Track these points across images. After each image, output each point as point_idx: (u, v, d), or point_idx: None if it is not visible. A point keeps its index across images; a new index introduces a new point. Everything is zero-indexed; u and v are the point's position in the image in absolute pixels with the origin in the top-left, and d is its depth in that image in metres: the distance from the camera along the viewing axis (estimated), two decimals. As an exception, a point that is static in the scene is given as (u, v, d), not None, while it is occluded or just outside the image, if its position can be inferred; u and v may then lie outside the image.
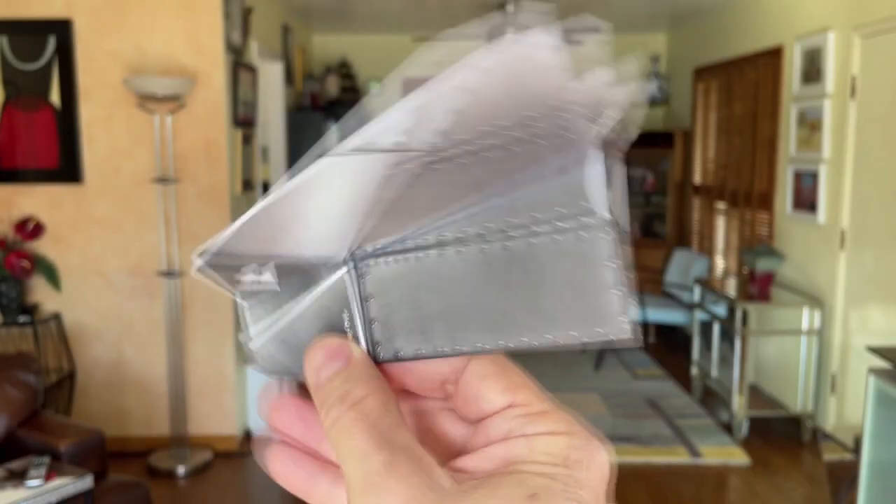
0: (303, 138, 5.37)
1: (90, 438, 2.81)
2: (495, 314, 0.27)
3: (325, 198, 0.27)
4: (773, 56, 4.60)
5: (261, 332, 0.29)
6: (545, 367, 5.41)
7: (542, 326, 0.27)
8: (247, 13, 4.19)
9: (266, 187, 4.94)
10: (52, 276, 3.75)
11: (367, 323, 0.28)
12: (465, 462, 0.28)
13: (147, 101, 3.56)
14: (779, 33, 4.56)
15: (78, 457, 2.73)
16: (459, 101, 0.25)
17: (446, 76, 0.24)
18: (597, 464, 0.27)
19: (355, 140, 0.25)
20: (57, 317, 3.77)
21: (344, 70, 6.43)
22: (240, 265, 0.28)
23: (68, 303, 3.84)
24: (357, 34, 6.67)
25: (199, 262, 0.28)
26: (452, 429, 0.30)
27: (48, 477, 2.47)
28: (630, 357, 5.64)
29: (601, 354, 5.48)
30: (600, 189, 0.26)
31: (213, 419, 3.96)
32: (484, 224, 0.27)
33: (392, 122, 0.25)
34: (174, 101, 3.60)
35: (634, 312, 0.26)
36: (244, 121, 4.14)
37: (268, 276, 0.29)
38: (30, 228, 3.68)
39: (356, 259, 0.28)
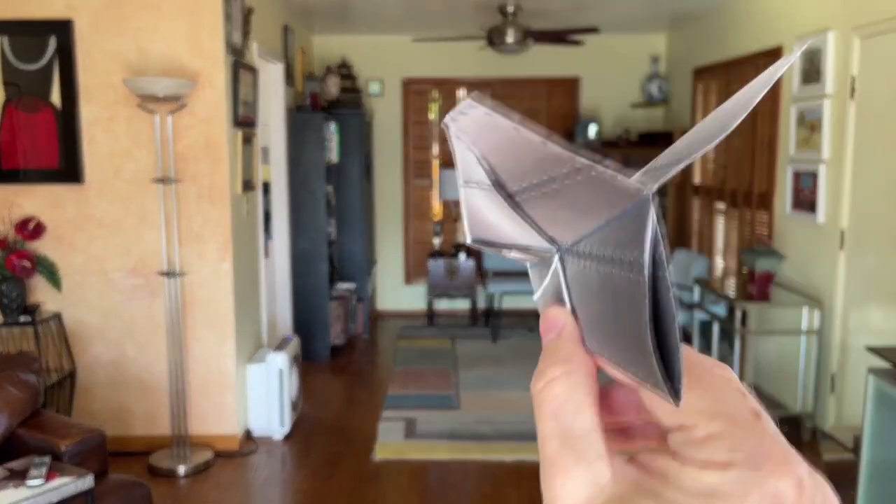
0: (303, 138, 5.38)
1: (91, 438, 2.81)
2: (612, 336, 0.29)
3: (488, 211, 0.31)
4: (773, 56, 4.61)
5: (537, 291, 0.34)
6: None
7: (626, 360, 0.28)
8: (247, 14, 4.20)
9: (266, 188, 4.94)
10: (52, 275, 3.75)
11: (573, 310, 0.31)
12: (646, 456, 0.29)
13: (148, 101, 3.56)
14: (778, 34, 4.57)
15: (79, 456, 2.73)
16: (472, 152, 0.29)
17: (451, 140, 0.29)
18: (756, 499, 0.26)
19: (460, 177, 0.31)
20: (58, 316, 3.78)
21: (344, 70, 6.44)
22: (499, 247, 0.33)
23: (69, 302, 3.85)
24: (357, 34, 6.68)
25: (469, 238, 0.33)
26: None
27: (49, 476, 2.47)
28: (630, 357, 5.65)
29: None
30: (648, 234, 0.27)
31: (213, 419, 3.97)
32: (602, 248, 0.29)
33: (469, 166, 0.30)
34: (175, 102, 3.61)
35: (679, 374, 0.26)
36: (245, 121, 4.15)
37: (516, 255, 0.33)
38: (31, 228, 3.69)
39: (562, 251, 0.31)
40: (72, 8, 3.72)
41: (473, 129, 0.28)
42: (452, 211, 7.03)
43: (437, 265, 6.59)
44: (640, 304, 0.26)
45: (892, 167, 3.55)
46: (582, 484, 0.28)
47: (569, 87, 6.93)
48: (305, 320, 5.48)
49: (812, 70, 4.13)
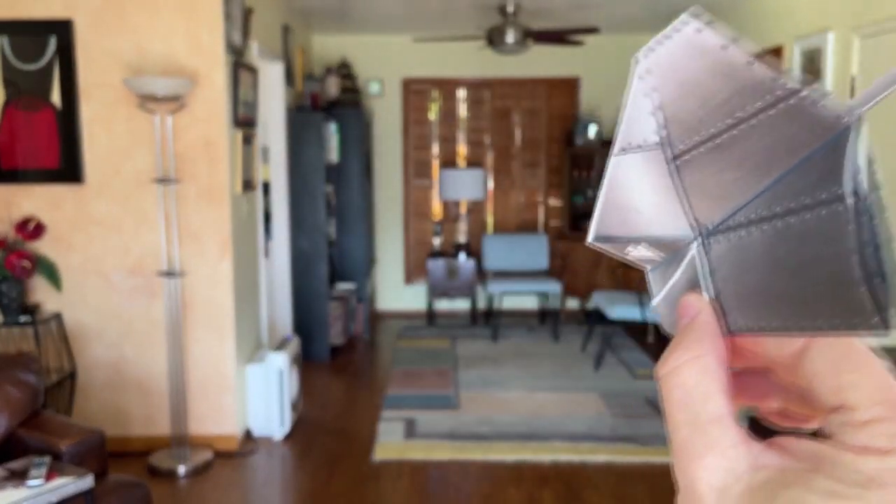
0: (303, 138, 5.37)
1: (91, 438, 2.81)
2: (785, 296, 0.28)
3: (635, 188, 0.30)
4: (773, 56, 4.60)
5: (657, 294, 0.33)
6: (545, 366, 5.42)
7: (806, 315, 0.27)
8: (247, 13, 4.20)
9: (266, 188, 4.94)
10: (52, 276, 3.75)
11: (716, 295, 0.30)
12: (788, 440, 0.29)
13: (147, 101, 3.56)
14: (778, 33, 4.57)
15: (78, 456, 2.73)
16: (650, 99, 0.28)
17: (632, 84, 0.28)
18: None
19: (619, 143, 0.30)
20: (57, 317, 3.77)
21: (344, 70, 6.44)
22: (624, 242, 0.33)
23: (69, 303, 3.85)
24: (357, 34, 6.68)
25: (591, 237, 0.33)
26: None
27: (49, 477, 2.47)
28: (630, 357, 5.65)
29: (601, 354, 5.48)
30: (848, 165, 0.26)
31: (213, 419, 3.96)
32: (770, 206, 0.27)
33: (636, 121, 0.29)
34: (174, 102, 3.61)
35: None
36: (244, 121, 4.14)
37: (644, 252, 0.32)
38: (30, 228, 3.69)
39: (703, 236, 0.30)
40: (71, 7, 3.72)
41: (667, 62, 0.27)
42: (452, 211, 7.03)
43: (437, 265, 6.59)
44: (840, 234, 0.25)
45: (892, 168, 3.55)
46: (717, 472, 0.27)
47: (569, 87, 6.93)
48: (305, 320, 5.48)
49: (812, 70, 4.13)
